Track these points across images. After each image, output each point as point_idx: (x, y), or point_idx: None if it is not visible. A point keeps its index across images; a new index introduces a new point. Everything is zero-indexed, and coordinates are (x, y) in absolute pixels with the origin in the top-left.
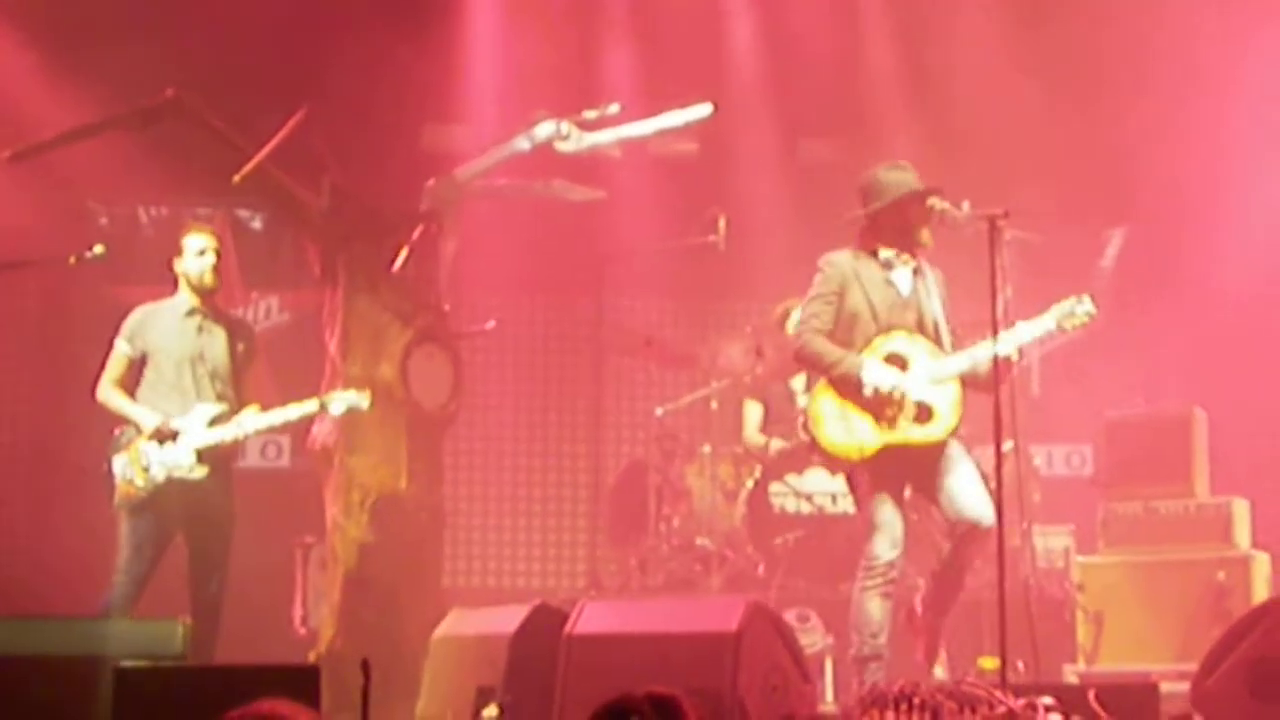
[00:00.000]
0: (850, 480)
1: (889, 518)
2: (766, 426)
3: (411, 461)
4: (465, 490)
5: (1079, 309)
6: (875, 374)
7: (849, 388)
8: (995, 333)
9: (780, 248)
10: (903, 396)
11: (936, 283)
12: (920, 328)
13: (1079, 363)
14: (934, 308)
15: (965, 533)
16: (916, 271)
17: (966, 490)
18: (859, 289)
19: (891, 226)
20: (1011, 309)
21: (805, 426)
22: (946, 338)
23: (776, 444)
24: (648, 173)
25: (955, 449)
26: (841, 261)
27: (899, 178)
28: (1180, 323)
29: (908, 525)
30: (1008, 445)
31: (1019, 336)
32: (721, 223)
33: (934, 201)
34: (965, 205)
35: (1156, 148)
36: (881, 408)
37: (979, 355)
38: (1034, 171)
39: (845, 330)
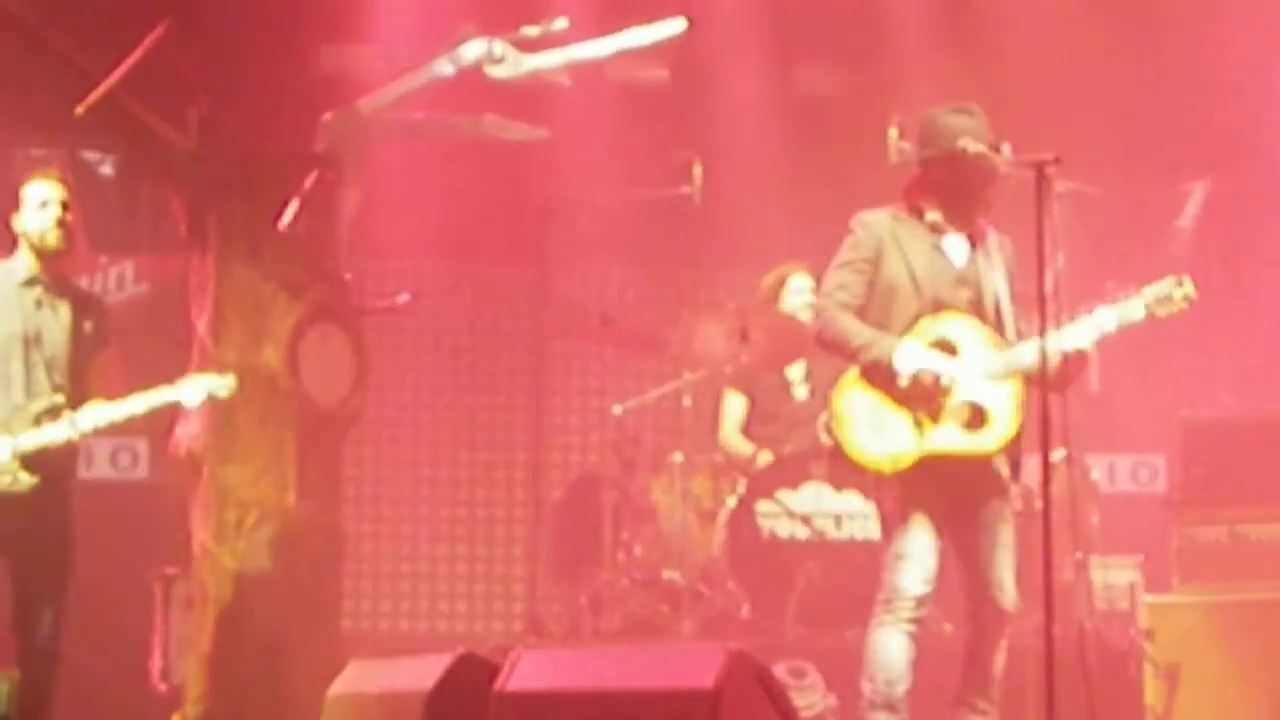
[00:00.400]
0: (877, 497)
1: (922, 547)
2: (752, 425)
3: (302, 472)
4: (370, 509)
5: (1177, 293)
6: (915, 359)
7: (881, 378)
8: (1042, 309)
9: (770, 202)
10: (950, 388)
11: (1001, 252)
12: (977, 309)
13: (1150, 350)
14: (996, 284)
15: (981, 606)
16: (975, 240)
17: (1000, 563)
18: (898, 256)
19: (944, 185)
20: (1064, 280)
21: (829, 428)
22: (1010, 323)
23: (765, 456)
24: (604, 106)
25: (1006, 511)
26: (877, 222)
27: (961, 124)
28: (1278, 300)
29: (943, 558)
30: (1058, 454)
31: (1099, 324)
32: (697, 170)
33: (966, 143)
34: (1005, 149)
35: (1248, 86)
36: (922, 403)
37: (1048, 347)
38: (1093, 112)
39: (881, 308)
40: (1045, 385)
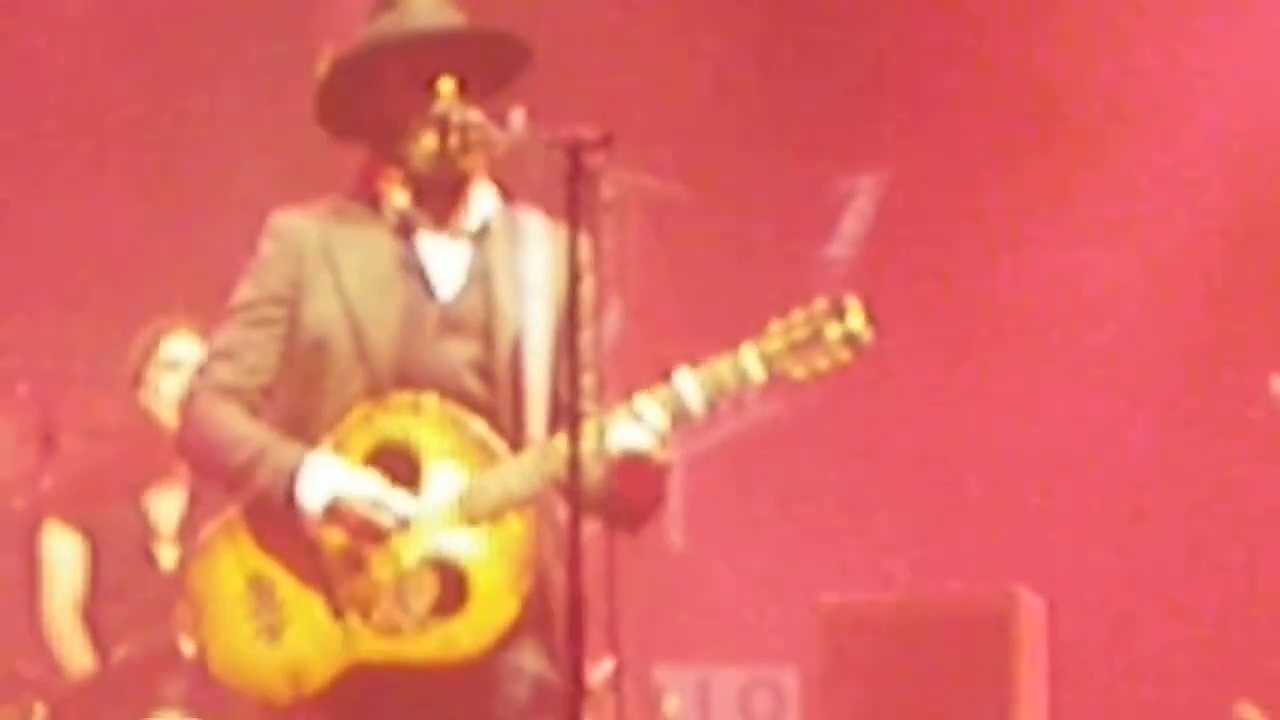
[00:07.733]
0: None
1: None
2: (99, 591)
3: None
4: None
5: (831, 330)
6: (333, 482)
7: (276, 523)
8: (574, 382)
9: (120, 171)
10: (400, 539)
11: (544, 255)
12: (485, 372)
13: (773, 485)
14: (525, 319)
15: None
16: (480, 236)
17: None
18: (329, 287)
19: (385, 136)
20: (626, 340)
21: (185, 622)
22: (540, 402)
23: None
24: None
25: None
26: (296, 230)
27: (385, 24)
28: (999, 382)
29: None
30: (603, 667)
31: (678, 402)
32: None
33: (444, 85)
34: (516, 116)
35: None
36: (349, 568)
37: (586, 450)
38: (686, 80)
39: (303, 389)
40: (576, 523)
